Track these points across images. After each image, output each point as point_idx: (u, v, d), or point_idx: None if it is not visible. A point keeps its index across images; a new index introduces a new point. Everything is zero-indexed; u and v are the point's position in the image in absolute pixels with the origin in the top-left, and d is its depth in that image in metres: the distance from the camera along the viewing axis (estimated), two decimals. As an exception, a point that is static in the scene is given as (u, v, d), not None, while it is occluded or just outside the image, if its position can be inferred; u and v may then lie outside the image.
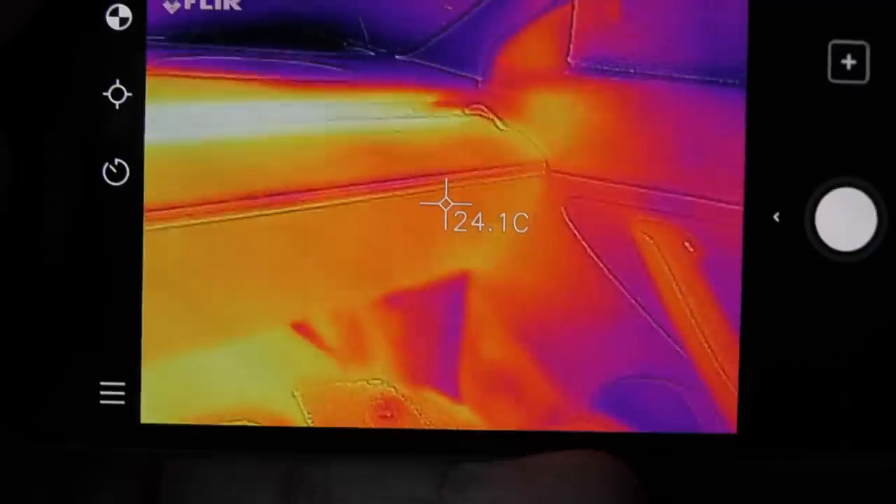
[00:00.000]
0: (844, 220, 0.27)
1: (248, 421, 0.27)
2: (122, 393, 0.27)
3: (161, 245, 0.27)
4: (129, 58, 0.27)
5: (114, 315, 0.27)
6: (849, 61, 0.27)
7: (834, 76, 0.27)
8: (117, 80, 0.27)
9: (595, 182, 0.27)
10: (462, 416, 0.27)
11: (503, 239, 0.27)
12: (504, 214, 0.27)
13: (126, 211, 0.27)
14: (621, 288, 0.27)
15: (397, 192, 0.27)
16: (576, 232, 0.27)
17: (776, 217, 0.27)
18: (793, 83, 0.27)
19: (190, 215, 0.27)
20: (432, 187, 0.27)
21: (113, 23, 0.27)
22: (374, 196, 0.27)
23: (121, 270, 0.27)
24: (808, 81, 0.27)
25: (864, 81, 0.27)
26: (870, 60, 0.27)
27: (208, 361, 0.27)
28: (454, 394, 0.27)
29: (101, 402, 0.27)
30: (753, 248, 0.27)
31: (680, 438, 0.27)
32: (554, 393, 0.27)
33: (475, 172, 0.27)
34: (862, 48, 0.27)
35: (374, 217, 0.27)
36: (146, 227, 0.27)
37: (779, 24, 0.27)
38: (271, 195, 0.27)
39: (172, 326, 0.27)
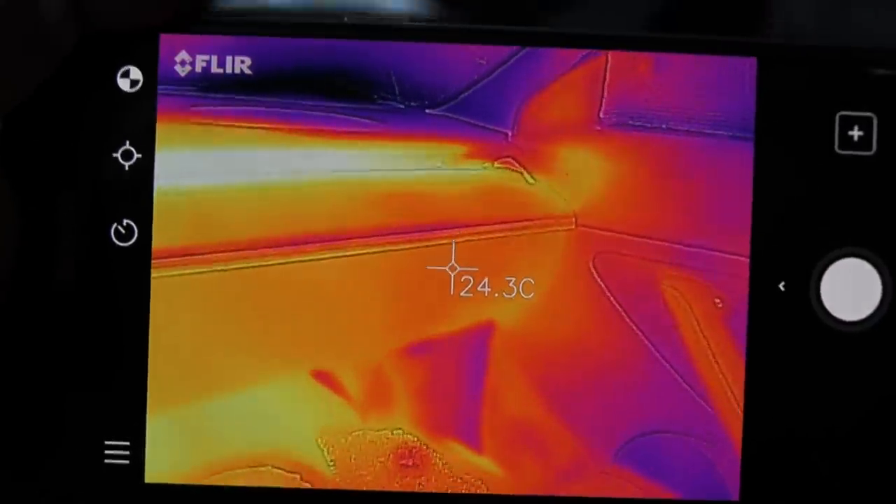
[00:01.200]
0: (849, 290, 0.27)
1: (273, 467, 0.27)
2: (127, 452, 0.27)
3: (170, 296, 0.27)
4: (139, 119, 0.27)
5: (119, 372, 0.27)
6: (856, 133, 0.27)
7: (841, 147, 0.27)
8: (127, 142, 0.27)
9: (624, 236, 0.27)
10: (484, 466, 0.27)
11: (526, 292, 0.27)
12: (527, 279, 0.27)
13: (133, 271, 0.27)
14: (647, 342, 0.27)
15: (422, 243, 0.27)
16: (603, 286, 0.27)
17: (781, 286, 0.27)
18: (800, 153, 0.27)
19: (202, 262, 0.27)
20: (453, 239, 0.27)
21: (124, 84, 0.27)
22: (398, 247, 0.27)
23: (126, 329, 0.27)
24: (815, 151, 0.27)
25: (871, 153, 0.27)
26: (877, 132, 0.27)
27: (221, 411, 0.27)
28: (476, 445, 0.27)
29: (106, 461, 0.27)
30: (759, 315, 0.27)
31: (681, 504, 0.27)
32: (576, 446, 0.27)
33: (499, 226, 0.27)
34: (869, 120, 0.27)
35: (398, 267, 0.27)
36: (154, 275, 0.27)
37: (787, 93, 0.27)
38: (292, 243, 0.27)
39: (180, 380, 0.27)
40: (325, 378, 0.27)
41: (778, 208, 0.27)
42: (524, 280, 0.27)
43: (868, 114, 0.27)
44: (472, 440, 0.27)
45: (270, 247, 0.27)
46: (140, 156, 0.27)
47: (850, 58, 0.27)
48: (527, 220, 0.27)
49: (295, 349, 0.27)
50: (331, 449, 0.27)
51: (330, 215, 0.27)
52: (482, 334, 0.27)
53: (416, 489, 0.27)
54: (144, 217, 0.27)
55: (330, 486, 0.27)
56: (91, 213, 0.27)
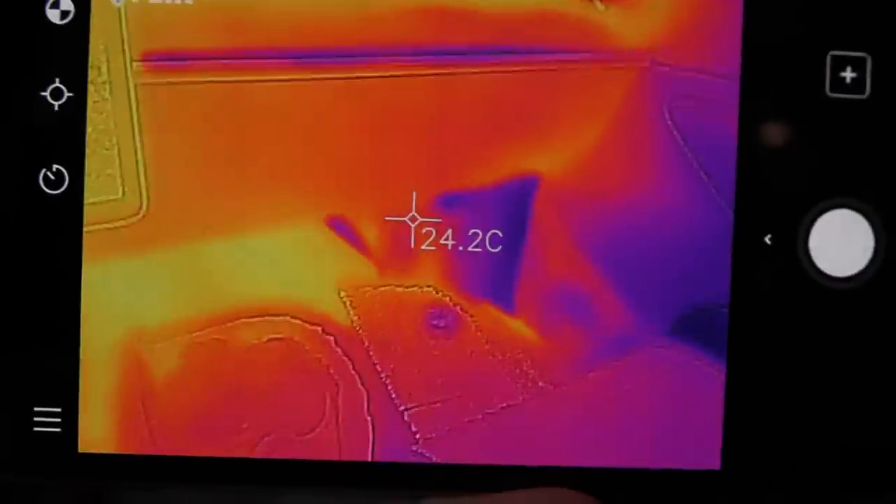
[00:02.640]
0: (839, 243, 0.26)
1: (291, 317, 0.25)
2: (59, 419, 0.25)
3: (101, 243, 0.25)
4: (70, 54, 0.24)
5: (49, 331, 0.25)
6: (849, 74, 0.25)
7: (832, 90, 0.25)
8: (57, 80, 0.24)
9: (703, 77, 0.25)
10: (520, 331, 0.25)
11: (581, 138, 0.25)
12: (583, 123, 0.25)
13: (64, 222, 0.25)
14: (723, 205, 0.25)
15: (477, 69, 0.25)
16: (677, 135, 0.25)
17: (767, 239, 0.25)
18: (788, 96, 0.25)
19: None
20: (517, 67, 0.25)
21: (53, 16, 0.24)
22: (437, 70, 0.25)
23: (57, 285, 0.25)
24: (804, 94, 0.25)
25: (865, 96, 0.25)
26: (871, 73, 0.25)
27: (222, 254, 0.25)
28: (512, 309, 0.25)
29: (35, 428, 0.25)
30: (743, 270, 0.25)
31: (658, 475, 0.26)
32: (626, 316, 0.25)
33: (559, 57, 0.25)
34: (863, 60, 0.25)
35: (436, 96, 0.25)
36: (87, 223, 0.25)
37: (774, 31, 0.25)
38: (314, 54, 0.25)
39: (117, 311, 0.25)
40: (341, 226, 0.25)
41: (764, 155, 0.25)
42: (580, 124, 0.25)
43: (861, 54, 0.25)
44: (508, 303, 0.25)
45: (288, 56, 0.24)
46: (71, 94, 0.24)
47: (842, -7, 0.26)
48: (592, 52, 0.25)
49: (306, 192, 0.25)
50: (353, 303, 0.25)
51: (370, 24, 0.25)
52: (525, 186, 0.25)
53: (448, 351, 0.25)
54: (76, 163, 0.24)
55: (354, 342, 0.25)
56: (17, 159, 0.25)
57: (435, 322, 0.25)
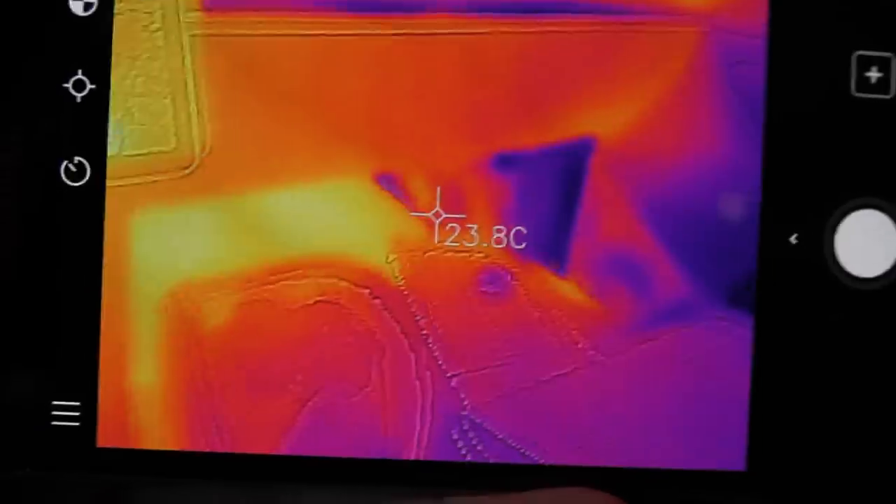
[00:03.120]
0: (865, 243, 0.25)
1: (339, 279, 0.25)
2: (77, 413, 0.24)
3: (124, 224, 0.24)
4: (93, 46, 0.24)
5: (69, 326, 0.24)
6: (874, 74, 0.25)
7: (858, 89, 0.25)
8: (80, 71, 0.24)
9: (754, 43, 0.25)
10: (572, 297, 0.25)
11: (640, 100, 0.25)
12: (641, 86, 0.25)
13: (85, 214, 0.24)
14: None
15: (537, 27, 0.25)
16: (734, 97, 0.25)
17: (793, 239, 0.25)
18: (814, 96, 0.25)
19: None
20: (578, 26, 0.25)
21: (76, 7, 0.24)
22: (505, 27, 0.24)
23: (78, 278, 0.24)
24: (830, 94, 0.25)
25: (890, 96, 0.25)
26: (896, 73, 0.25)
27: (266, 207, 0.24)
28: (565, 273, 0.25)
29: (53, 423, 0.24)
30: (768, 270, 0.25)
31: (684, 475, 0.25)
32: (684, 283, 0.25)
33: (616, 18, 0.25)
34: (888, 60, 0.25)
35: (500, 54, 0.24)
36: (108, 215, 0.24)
37: (801, 32, 0.25)
38: (371, 6, 0.24)
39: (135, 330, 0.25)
40: (390, 184, 0.25)
41: (790, 155, 0.25)
42: (639, 86, 0.25)
43: (887, 54, 0.25)
44: (561, 267, 0.25)
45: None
46: (94, 87, 0.24)
47: (868, -7, 0.25)
48: (654, 13, 0.25)
49: (355, 147, 0.25)
50: (402, 265, 0.25)
51: None
52: (582, 148, 0.25)
53: (498, 317, 0.25)
54: (98, 154, 0.24)
55: (401, 305, 0.25)
56: (39, 151, 0.24)
57: (485, 287, 0.25)
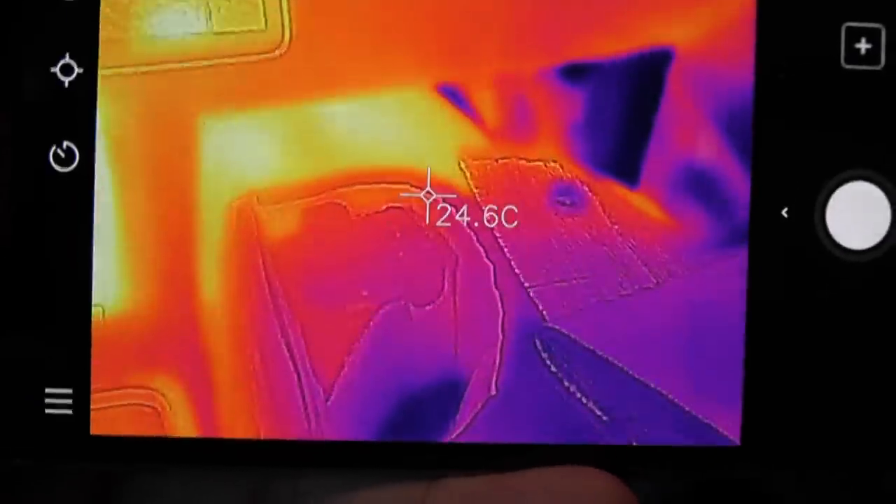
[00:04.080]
0: (856, 216, 0.25)
1: (412, 185, 0.24)
2: (70, 401, 0.24)
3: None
4: (80, 30, 0.24)
5: (60, 312, 0.24)
6: (863, 45, 0.25)
7: (847, 61, 0.25)
8: (67, 55, 0.24)
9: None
10: (646, 209, 0.25)
11: (720, 12, 0.25)
12: None
13: (74, 199, 0.24)
14: None
15: None
16: None
17: (784, 212, 0.25)
18: (803, 67, 0.25)
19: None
20: None
21: (62, -8, 0.24)
22: None
23: (68, 264, 0.24)
24: (819, 66, 0.25)
25: (880, 67, 0.25)
26: (886, 44, 0.25)
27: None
28: (638, 187, 0.25)
29: (47, 410, 0.24)
30: (759, 244, 0.25)
31: (680, 451, 0.25)
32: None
33: None
34: (877, 31, 0.25)
35: None
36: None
37: (790, 3, 0.25)
38: None
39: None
40: (453, 94, 0.25)
41: (779, 128, 0.25)
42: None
43: (876, 25, 0.25)
44: (634, 181, 0.25)
45: None
46: (81, 70, 0.24)
47: (857, -36, 0.25)
48: None
49: (418, 55, 0.24)
50: (474, 174, 0.25)
51: None
52: (658, 58, 0.25)
53: (574, 229, 0.25)
54: (86, 140, 0.24)
55: (476, 214, 0.25)
56: (26, 136, 0.24)
57: (561, 198, 0.25)
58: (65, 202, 0.24)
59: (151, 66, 0.24)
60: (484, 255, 0.25)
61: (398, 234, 0.25)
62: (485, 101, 0.25)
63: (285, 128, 0.24)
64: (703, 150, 0.25)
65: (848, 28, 0.25)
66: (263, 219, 0.25)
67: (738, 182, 0.25)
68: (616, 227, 0.25)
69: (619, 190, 0.25)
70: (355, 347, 0.25)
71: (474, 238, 0.25)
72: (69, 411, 0.24)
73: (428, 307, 0.25)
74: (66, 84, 0.24)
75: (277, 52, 0.24)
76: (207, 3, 0.24)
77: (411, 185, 0.25)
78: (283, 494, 0.26)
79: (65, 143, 0.24)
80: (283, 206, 0.25)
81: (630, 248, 0.25)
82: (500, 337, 0.25)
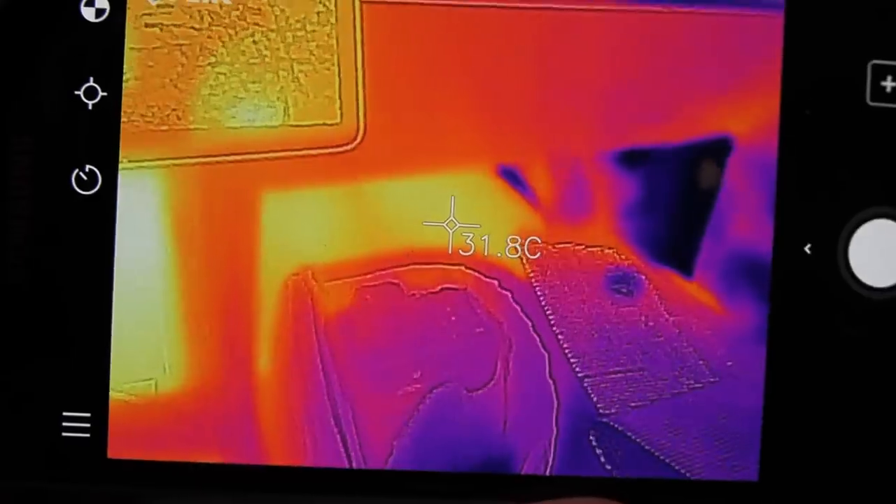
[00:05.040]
0: (880, 253, 0.25)
1: (466, 267, 0.24)
2: (88, 424, 0.24)
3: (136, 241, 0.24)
4: (105, 53, 0.24)
5: (79, 337, 0.24)
6: (889, 83, 0.25)
7: (873, 98, 0.25)
8: (91, 79, 0.24)
9: None
10: (700, 297, 0.25)
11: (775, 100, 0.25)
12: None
13: (96, 222, 0.24)
14: None
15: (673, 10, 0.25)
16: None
17: (807, 249, 0.25)
18: (829, 104, 0.25)
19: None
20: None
21: (88, 14, 0.24)
22: (637, 10, 0.25)
23: (89, 288, 0.24)
24: (845, 103, 0.25)
25: None
26: (912, 83, 0.25)
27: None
28: (689, 274, 0.25)
29: (64, 434, 0.24)
30: (782, 280, 0.25)
31: (693, 485, 0.25)
32: None
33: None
34: (904, 69, 0.25)
35: (633, 40, 0.24)
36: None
37: (816, 40, 0.25)
38: None
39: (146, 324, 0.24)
40: (512, 176, 0.25)
41: (805, 164, 0.25)
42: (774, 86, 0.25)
43: None
44: (689, 270, 0.25)
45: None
46: (105, 94, 0.24)
47: (884, 1, 0.25)
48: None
49: (481, 136, 0.24)
50: (530, 259, 0.25)
51: None
52: (717, 148, 0.25)
53: (629, 319, 0.25)
54: (109, 163, 0.24)
55: (531, 300, 0.25)
56: (50, 159, 0.24)
57: (617, 286, 0.25)
58: (86, 226, 0.24)
59: (222, 156, 0.24)
60: (539, 342, 0.25)
61: (453, 317, 0.25)
62: (543, 183, 0.25)
63: (344, 206, 0.24)
64: (759, 241, 0.25)
65: (874, 66, 0.25)
66: (317, 294, 0.25)
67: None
68: (674, 317, 0.25)
69: (674, 279, 0.25)
70: (405, 431, 0.25)
71: (530, 326, 0.25)
72: (87, 434, 0.24)
73: (479, 392, 0.25)
74: (90, 107, 0.24)
75: (350, 147, 0.24)
76: (286, 97, 0.24)
77: (466, 267, 0.25)
78: None
79: (87, 167, 0.24)
80: (339, 283, 0.25)
81: (689, 339, 0.25)
82: (554, 429, 0.25)
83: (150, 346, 0.24)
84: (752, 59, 0.25)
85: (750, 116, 0.25)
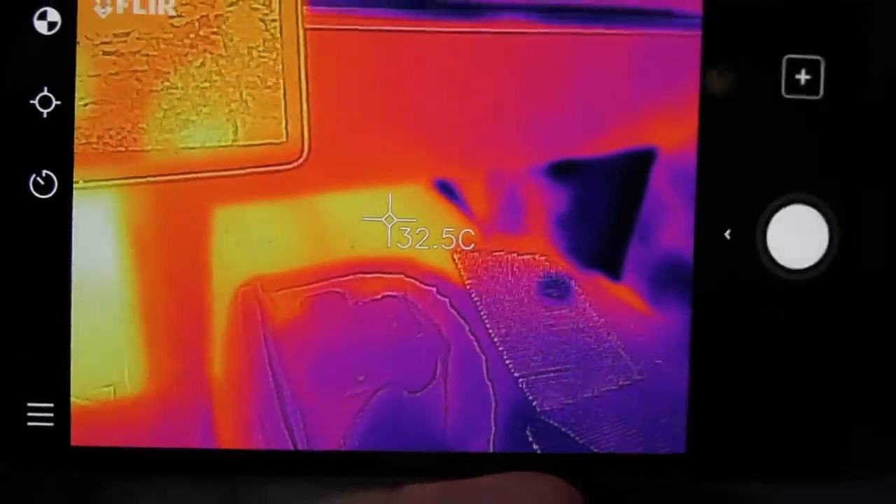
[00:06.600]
0: (796, 237, 0.27)
1: (406, 276, 0.26)
2: (51, 414, 0.26)
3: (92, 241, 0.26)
4: (58, 64, 0.25)
5: (40, 331, 0.26)
6: (803, 76, 0.26)
7: (788, 91, 0.26)
8: (45, 88, 0.25)
9: None
10: (626, 299, 0.26)
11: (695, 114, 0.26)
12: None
13: (54, 224, 0.25)
14: None
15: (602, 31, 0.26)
16: None
17: (727, 234, 0.27)
18: (746, 97, 0.26)
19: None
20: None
21: (41, 27, 0.25)
22: (554, 29, 0.26)
23: (48, 284, 0.25)
24: (761, 95, 0.26)
25: (819, 97, 0.26)
26: (824, 75, 0.26)
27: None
28: (619, 278, 0.26)
29: (29, 423, 0.26)
30: (703, 264, 0.26)
31: (626, 459, 0.27)
32: None
33: None
34: (817, 63, 0.26)
35: (558, 63, 0.26)
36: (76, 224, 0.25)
37: (732, 36, 0.26)
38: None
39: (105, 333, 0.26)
40: (448, 189, 0.26)
41: (723, 154, 0.26)
42: (696, 98, 0.26)
43: (816, 57, 0.26)
44: (616, 273, 0.26)
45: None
46: (59, 103, 0.25)
47: (798, -1, 0.27)
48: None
49: (418, 151, 0.26)
50: (466, 266, 0.26)
51: None
52: (641, 158, 0.26)
53: (561, 321, 0.26)
54: (64, 167, 0.25)
55: (467, 304, 0.26)
56: (7, 164, 0.25)
57: (548, 291, 0.26)
58: (44, 226, 0.25)
59: (174, 175, 0.26)
60: (476, 345, 0.26)
61: (394, 323, 0.26)
62: (478, 196, 0.26)
63: (290, 220, 0.26)
64: (682, 248, 0.26)
65: (789, 60, 0.26)
66: (267, 305, 0.26)
67: None
68: (604, 320, 0.26)
69: (603, 283, 0.26)
70: (350, 431, 0.26)
71: (467, 329, 0.26)
72: (50, 424, 0.26)
73: (420, 393, 0.26)
74: (45, 115, 0.25)
75: (295, 164, 0.26)
76: (234, 118, 0.26)
77: (406, 276, 0.26)
78: (254, 502, 0.27)
79: (44, 172, 0.25)
80: (286, 292, 0.26)
81: (617, 338, 0.26)
82: (493, 427, 0.26)
83: (107, 354, 0.26)
84: (673, 75, 0.26)
85: (670, 127, 0.26)
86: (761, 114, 0.26)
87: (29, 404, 0.26)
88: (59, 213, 0.25)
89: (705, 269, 0.26)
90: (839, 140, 0.27)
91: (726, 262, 0.27)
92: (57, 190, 0.25)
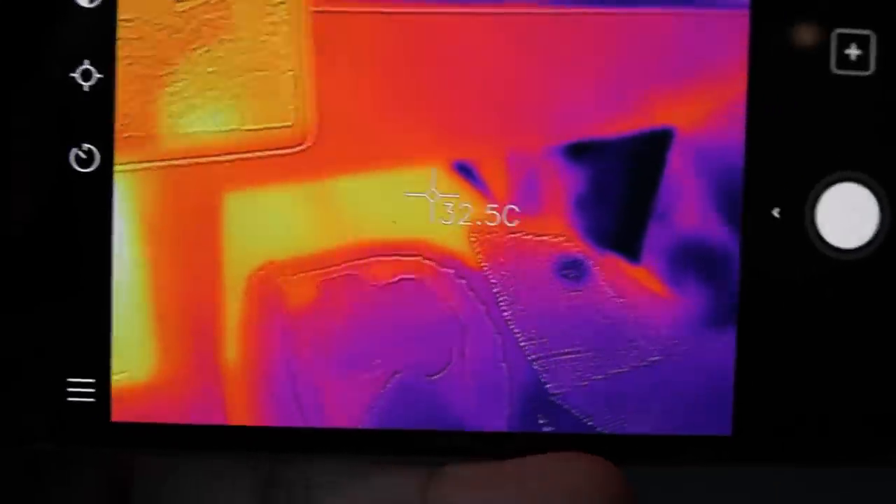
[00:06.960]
0: (846, 216, 0.26)
1: (423, 258, 0.26)
2: (93, 389, 0.25)
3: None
4: (99, 36, 0.25)
5: (81, 305, 0.25)
6: (853, 51, 0.26)
7: (838, 67, 0.26)
8: (86, 61, 0.25)
9: None
10: (645, 282, 0.26)
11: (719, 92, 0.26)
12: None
13: (94, 198, 0.25)
14: None
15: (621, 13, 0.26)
16: None
17: (776, 213, 0.26)
18: (795, 73, 0.26)
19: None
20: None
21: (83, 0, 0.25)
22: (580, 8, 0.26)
23: (88, 259, 0.25)
24: (810, 71, 0.26)
25: (869, 72, 0.26)
26: (875, 51, 0.26)
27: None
28: (638, 260, 0.26)
29: (69, 399, 0.25)
30: (752, 243, 0.26)
31: (671, 441, 0.26)
32: None
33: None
34: (867, 38, 0.26)
35: (574, 42, 0.26)
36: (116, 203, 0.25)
37: (782, 11, 0.26)
38: None
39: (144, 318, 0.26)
40: (466, 170, 0.26)
41: (772, 131, 0.26)
42: (718, 77, 0.26)
43: (866, 31, 0.26)
44: (635, 254, 0.26)
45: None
46: (101, 76, 0.25)
47: (846, -27, 0.26)
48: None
49: (435, 133, 0.25)
50: (482, 248, 0.26)
51: None
52: (660, 138, 0.26)
53: (578, 302, 0.26)
54: (106, 141, 0.25)
55: (485, 287, 0.26)
56: (48, 138, 0.25)
57: (565, 272, 0.26)
58: (85, 201, 0.25)
59: (178, 159, 0.25)
60: (492, 328, 0.26)
61: (410, 306, 0.26)
62: (496, 177, 0.26)
63: (302, 203, 0.26)
64: (702, 230, 0.26)
65: (839, 34, 0.26)
66: (283, 288, 0.26)
67: (733, 259, 0.26)
68: (622, 301, 0.26)
69: (621, 264, 0.26)
70: (367, 415, 0.26)
71: (483, 311, 0.26)
72: (91, 399, 0.26)
73: (437, 376, 0.26)
74: (86, 88, 0.25)
75: (303, 147, 0.25)
76: (239, 102, 0.25)
77: (423, 258, 0.26)
78: (297, 480, 0.27)
79: (85, 145, 0.25)
80: (302, 276, 0.26)
81: (635, 320, 0.26)
82: (508, 409, 0.26)
83: (145, 332, 0.26)
84: (717, 53, 0.26)
85: (692, 107, 0.26)
86: (811, 90, 0.26)
87: (69, 380, 0.25)
88: (101, 186, 0.25)
89: (753, 247, 0.26)
90: (890, 117, 0.26)
91: (775, 240, 0.26)
92: (99, 164, 0.25)
